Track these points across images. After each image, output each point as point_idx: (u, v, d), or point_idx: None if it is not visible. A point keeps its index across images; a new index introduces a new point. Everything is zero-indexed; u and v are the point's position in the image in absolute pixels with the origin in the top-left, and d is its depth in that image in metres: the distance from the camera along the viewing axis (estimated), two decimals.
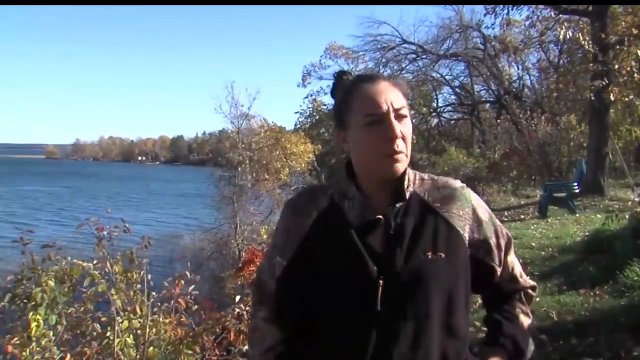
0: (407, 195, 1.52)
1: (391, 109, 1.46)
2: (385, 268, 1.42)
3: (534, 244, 8.50)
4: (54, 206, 44.23)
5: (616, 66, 13.10)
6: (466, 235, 1.51)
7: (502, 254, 1.60)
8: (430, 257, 1.44)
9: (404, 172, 1.51)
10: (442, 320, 1.43)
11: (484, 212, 1.58)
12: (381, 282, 1.41)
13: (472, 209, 1.55)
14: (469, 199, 1.57)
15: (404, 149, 1.47)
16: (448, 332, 1.44)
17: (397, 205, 1.50)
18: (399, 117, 1.47)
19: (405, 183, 1.52)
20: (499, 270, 1.59)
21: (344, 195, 1.55)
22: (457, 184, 1.60)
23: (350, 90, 1.52)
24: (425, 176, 1.59)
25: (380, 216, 1.48)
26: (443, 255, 1.44)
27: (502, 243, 1.60)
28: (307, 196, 1.63)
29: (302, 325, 1.52)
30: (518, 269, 1.66)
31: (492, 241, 1.57)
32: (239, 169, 22.82)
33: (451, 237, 1.48)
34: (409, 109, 1.52)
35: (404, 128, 1.47)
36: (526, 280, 1.68)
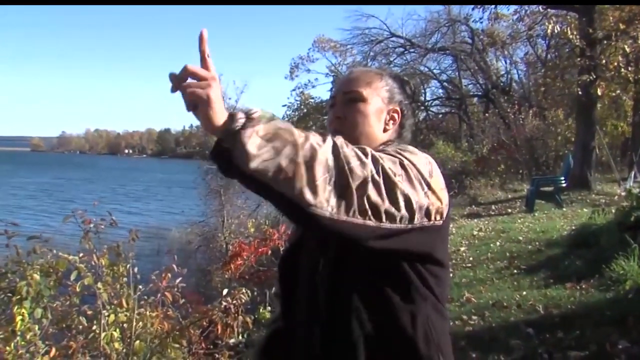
0: None
1: (339, 94, 1.54)
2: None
3: (520, 238, 8.54)
4: (52, 198, 43.58)
5: (603, 61, 13.18)
6: None
7: None
8: None
9: None
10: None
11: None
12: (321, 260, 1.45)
13: None
14: None
15: (345, 130, 1.48)
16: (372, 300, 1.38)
17: None
18: (348, 100, 1.52)
19: None
20: None
21: None
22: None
23: None
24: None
25: None
26: None
27: None
28: None
29: (285, 302, 1.58)
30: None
31: None
32: None
33: None
34: (375, 93, 1.53)
35: (348, 110, 1.51)
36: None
